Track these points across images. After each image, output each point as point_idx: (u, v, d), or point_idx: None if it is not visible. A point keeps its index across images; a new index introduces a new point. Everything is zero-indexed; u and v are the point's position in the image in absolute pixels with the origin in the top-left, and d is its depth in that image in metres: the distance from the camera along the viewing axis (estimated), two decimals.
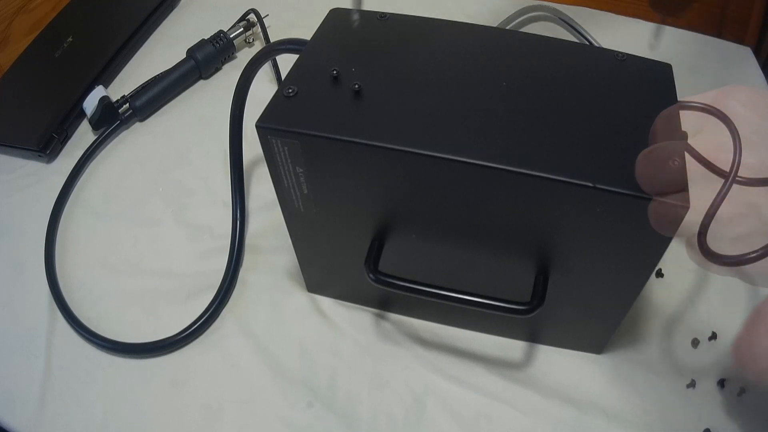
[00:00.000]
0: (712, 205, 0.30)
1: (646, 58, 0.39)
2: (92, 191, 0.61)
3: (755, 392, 0.45)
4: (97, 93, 0.64)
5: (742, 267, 0.30)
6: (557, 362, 0.48)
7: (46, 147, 0.62)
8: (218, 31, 0.70)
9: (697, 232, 0.30)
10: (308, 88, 0.38)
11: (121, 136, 0.65)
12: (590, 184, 0.32)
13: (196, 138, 0.64)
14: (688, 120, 0.33)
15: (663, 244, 0.35)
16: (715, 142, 0.31)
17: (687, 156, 0.31)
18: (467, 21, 0.43)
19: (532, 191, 0.34)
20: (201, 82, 0.70)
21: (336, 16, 0.43)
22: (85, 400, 0.47)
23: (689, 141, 0.31)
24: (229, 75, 0.71)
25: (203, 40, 0.70)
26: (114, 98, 0.65)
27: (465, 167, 0.34)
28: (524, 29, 0.60)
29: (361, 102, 0.37)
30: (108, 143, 0.65)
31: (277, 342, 0.50)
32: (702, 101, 0.32)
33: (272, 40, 0.72)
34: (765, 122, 0.31)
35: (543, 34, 0.42)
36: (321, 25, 0.42)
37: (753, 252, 0.29)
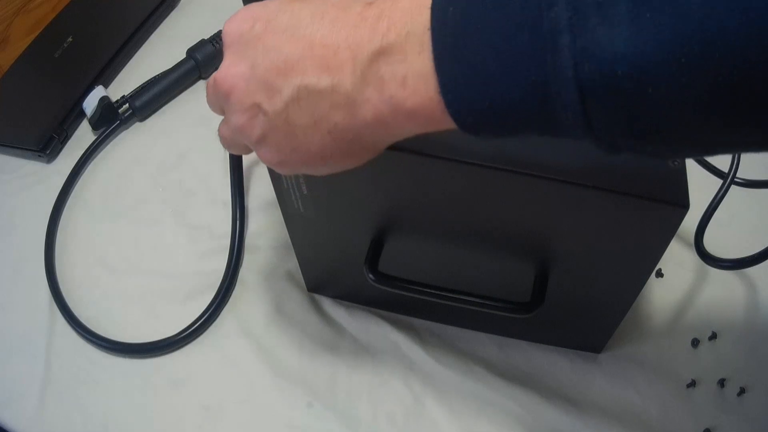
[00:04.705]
0: (710, 206, 0.30)
1: None
2: (92, 191, 0.61)
3: (755, 392, 0.45)
4: (97, 93, 0.64)
5: None
6: (557, 362, 0.48)
7: (46, 147, 0.62)
8: (218, 31, 0.70)
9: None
10: None
11: (121, 136, 0.65)
12: (590, 184, 0.32)
13: (196, 138, 0.64)
14: None
15: (663, 244, 0.35)
16: None
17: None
18: None
19: (531, 192, 0.34)
20: (201, 82, 0.70)
21: None
22: (85, 400, 0.47)
23: None
24: None
25: (203, 40, 0.70)
26: (114, 98, 0.65)
27: (465, 168, 0.34)
28: None
29: None
30: (108, 143, 0.64)
31: (277, 342, 0.50)
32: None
33: None
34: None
35: None
36: None
37: (751, 256, 0.29)
